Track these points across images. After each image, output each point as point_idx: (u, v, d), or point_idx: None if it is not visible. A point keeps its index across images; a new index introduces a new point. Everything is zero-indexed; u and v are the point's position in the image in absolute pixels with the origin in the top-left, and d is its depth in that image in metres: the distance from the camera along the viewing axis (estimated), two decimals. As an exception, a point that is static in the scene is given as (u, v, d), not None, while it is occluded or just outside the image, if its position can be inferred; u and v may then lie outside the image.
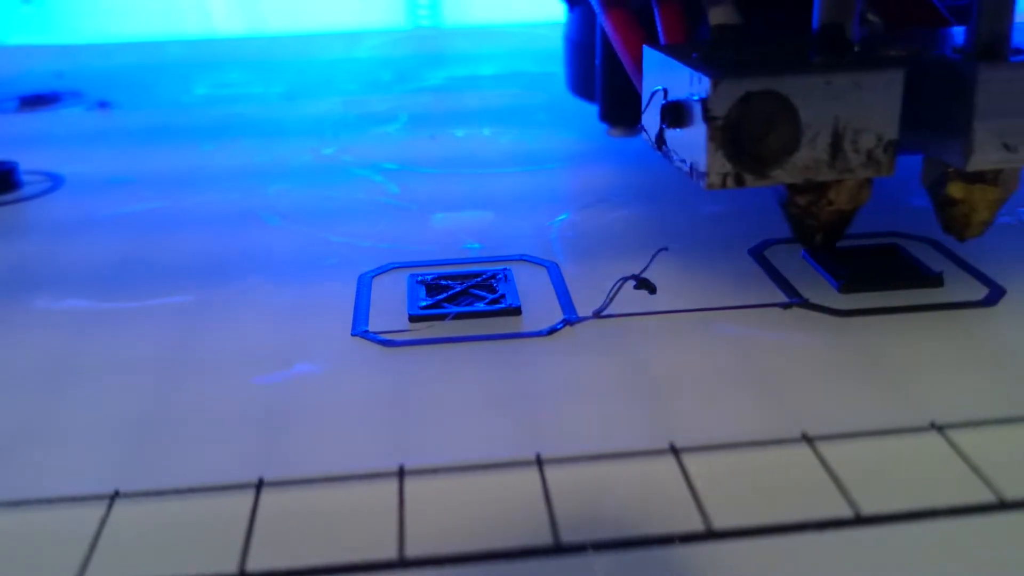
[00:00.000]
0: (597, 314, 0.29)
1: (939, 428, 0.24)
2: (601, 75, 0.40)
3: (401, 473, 0.23)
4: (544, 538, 0.21)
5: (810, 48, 0.28)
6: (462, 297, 0.31)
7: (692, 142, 0.27)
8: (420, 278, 0.32)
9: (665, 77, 0.28)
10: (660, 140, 0.29)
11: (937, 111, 0.27)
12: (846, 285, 0.30)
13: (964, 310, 0.29)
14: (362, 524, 0.21)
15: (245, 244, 0.36)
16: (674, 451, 0.23)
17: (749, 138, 0.26)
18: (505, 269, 0.32)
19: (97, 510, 0.22)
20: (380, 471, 0.23)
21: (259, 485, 0.23)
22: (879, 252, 0.32)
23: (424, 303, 0.30)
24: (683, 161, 0.28)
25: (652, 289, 0.30)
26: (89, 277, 0.34)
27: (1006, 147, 0.26)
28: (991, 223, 0.29)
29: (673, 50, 0.29)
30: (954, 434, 0.23)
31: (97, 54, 0.75)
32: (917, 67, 0.27)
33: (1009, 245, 0.33)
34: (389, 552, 0.20)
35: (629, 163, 0.44)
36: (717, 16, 0.30)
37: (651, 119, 0.30)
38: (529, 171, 0.44)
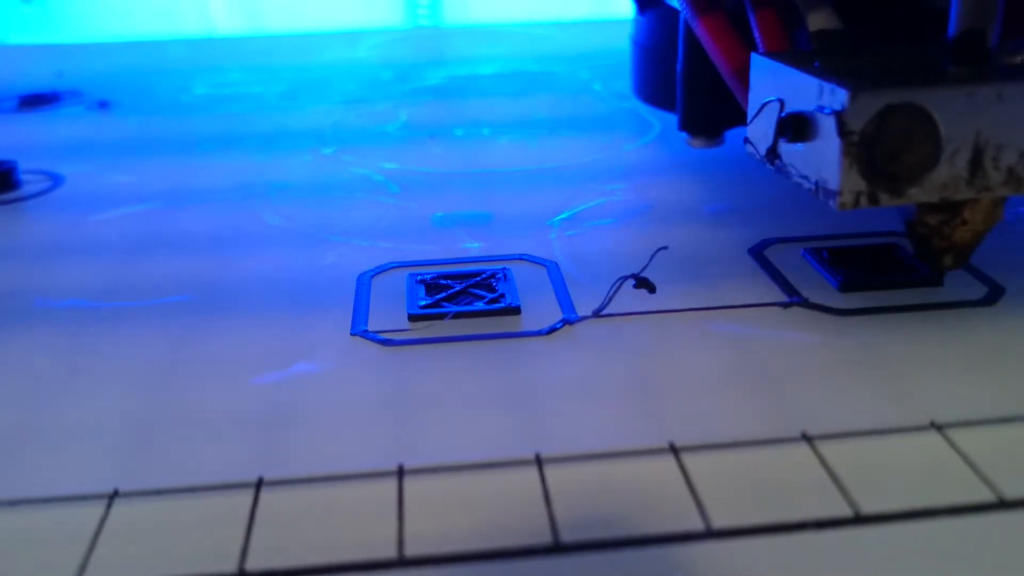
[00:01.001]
0: (596, 313, 0.29)
1: (938, 427, 0.24)
2: (682, 83, 0.39)
3: (400, 472, 0.23)
4: (543, 537, 0.21)
5: (942, 56, 0.26)
6: (461, 296, 0.31)
7: (820, 158, 0.25)
8: (419, 277, 0.32)
9: (782, 87, 0.27)
10: (773, 154, 0.27)
11: None
12: (845, 284, 0.30)
13: (963, 309, 0.29)
14: (361, 523, 0.21)
15: (245, 244, 0.36)
16: (673, 450, 0.23)
17: (885, 155, 0.24)
18: (504, 268, 0.32)
19: (96, 509, 0.22)
20: (379, 471, 0.23)
21: (258, 484, 0.23)
22: (878, 251, 0.32)
23: (423, 302, 0.30)
24: (805, 178, 0.26)
25: (651, 288, 0.30)
26: (89, 277, 0.34)
27: None
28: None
29: (790, 58, 0.27)
30: (953, 433, 0.23)
31: (97, 54, 0.75)
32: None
33: (1008, 244, 0.33)
34: (388, 551, 0.20)
35: (628, 162, 0.44)
36: (817, 21, 0.29)
37: (761, 131, 0.28)
38: (529, 171, 0.44)
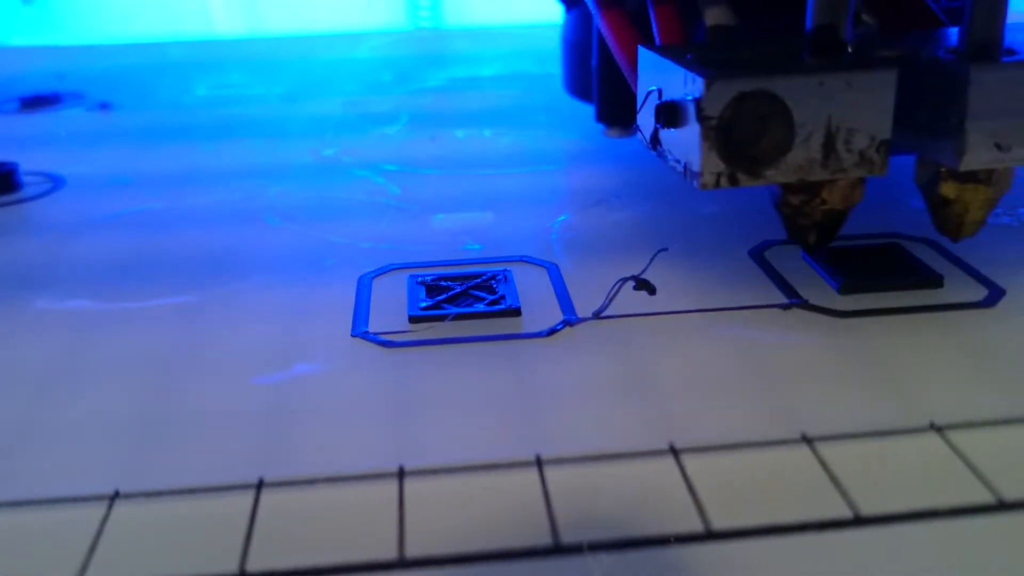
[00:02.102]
0: (597, 315, 0.29)
1: (938, 429, 0.24)
2: (597, 76, 0.40)
3: (401, 474, 0.23)
4: (543, 538, 0.21)
5: (803, 49, 0.28)
6: (462, 298, 0.31)
7: (686, 142, 0.27)
8: (420, 279, 0.32)
9: (659, 77, 0.28)
10: (655, 140, 0.29)
11: (930, 112, 0.27)
12: (845, 286, 0.30)
13: (964, 311, 0.29)
14: (362, 524, 0.21)
15: (245, 245, 0.36)
16: (673, 452, 0.23)
17: (743, 138, 0.26)
18: (505, 270, 0.32)
19: (97, 510, 0.22)
20: (380, 471, 0.23)
21: (259, 485, 0.23)
22: (878, 253, 0.32)
23: (424, 304, 0.30)
24: (677, 161, 0.28)
25: (652, 290, 0.30)
26: (90, 278, 0.34)
27: (998, 147, 0.26)
28: (984, 223, 0.29)
29: (667, 50, 0.29)
30: (953, 435, 0.24)
31: (98, 55, 0.75)
32: (910, 68, 0.27)
33: (1009, 246, 0.33)
34: (389, 552, 0.20)
35: (628, 163, 0.45)
36: (712, 17, 0.31)
37: (646, 119, 0.30)
38: (529, 172, 0.44)
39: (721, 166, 0.26)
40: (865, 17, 0.32)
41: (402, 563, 0.20)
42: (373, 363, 0.27)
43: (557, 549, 0.20)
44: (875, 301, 0.30)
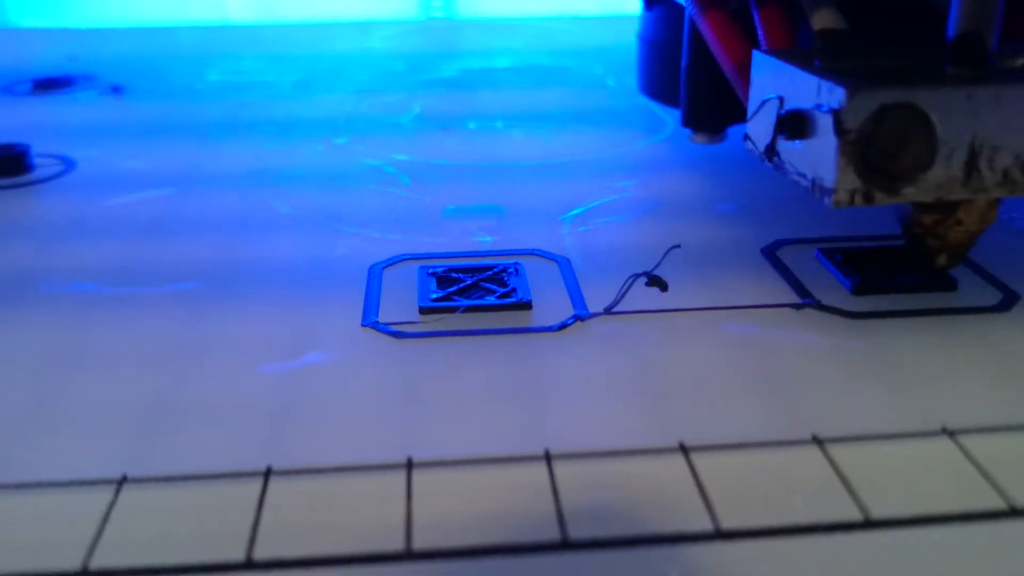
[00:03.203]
0: (608, 310, 0.29)
1: (950, 433, 0.24)
2: (686, 79, 0.39)
3: (409, 465, 0.23)
4: (551, 534, 0.20)
5: (942, 58, 0.26)
6: (473, 290, 0.31)
7: (817, 155, 0.25)
8: (431, 270, 0.32)
9: (782, 85, 0.27)
10: (771, 151, 0.28)
11: None
12: (858, 287, 0.30)
13: (977, 315, 0.29)
14: (369, 515, 0.21)
15: (256, 233, 0.36)
16: (683, 450, 0.23)
17: (882, 154, 0.24)
18: (516, 263, 0.32)
19: (105, 494, 0.22)
20: (388, 463, 0.23)
21: (267, 473, 0.22)
22: (892, 254, 0.32)
23: (435, 295, 0.30)
24: (802, 175, 0.26)
25: (663, 286, 0.30)
26: (98, 262, 0.34)
27: None
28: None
29: (790, 56, 0.27)
30: (965, 439, 0.23)
31: (111, 39, 0.75)
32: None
33: (1022, 249, 0.33)
34: (396, 544, 0.20)
35: (642, 159, 0.44)
36: (821, 20, 0.29)
37: (760, 128, 0.28)
38: (542, 165, 0.44)
39: (857, 183, 0.25)
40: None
41: (409, 555, 0.20)
42: (383, 353, 0.27)
43: (565, 545, 0.20)
44: (888, 303, 0.29)
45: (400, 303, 0.30)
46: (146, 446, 0.23)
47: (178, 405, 0.25)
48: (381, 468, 0.23)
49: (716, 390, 0.25)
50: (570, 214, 0.37)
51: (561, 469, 0.23)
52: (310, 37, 0.76)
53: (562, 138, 0.48)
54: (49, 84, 0.61)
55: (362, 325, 0.29)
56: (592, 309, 0.30)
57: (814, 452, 0.23)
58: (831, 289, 0.30)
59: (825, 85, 0.25)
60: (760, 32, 0.32)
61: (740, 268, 0.32)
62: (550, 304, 0.30)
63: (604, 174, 0.43)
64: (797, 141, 0.26)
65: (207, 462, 0.23)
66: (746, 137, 0.30)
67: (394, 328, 0.29)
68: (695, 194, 0.39)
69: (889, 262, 0.32)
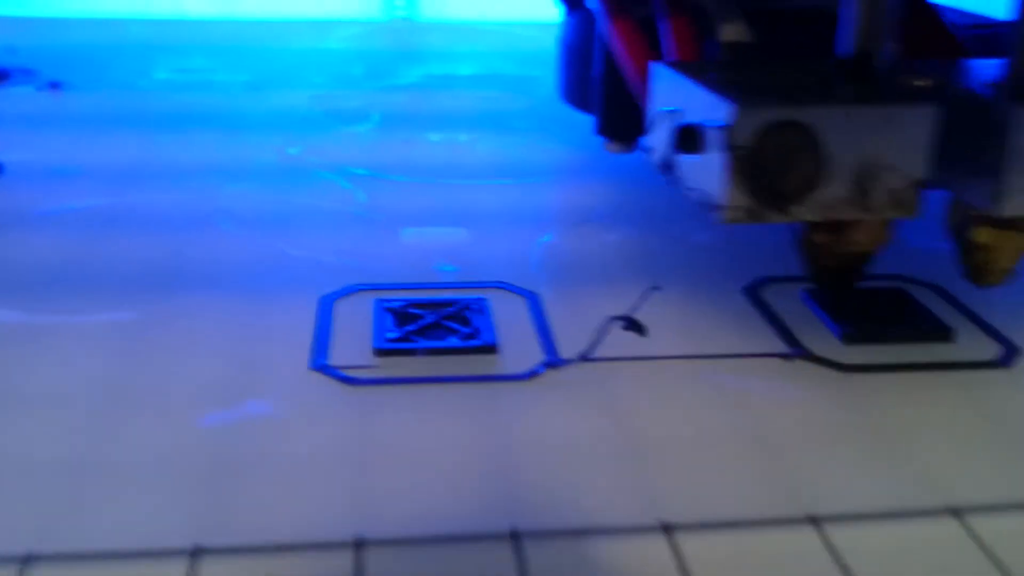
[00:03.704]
0: (583, 357, 0.27)
1: (955, 512, 0.21)
2: (600, 86, 0.38)
3: (359, 545, 0.20)
4: (520, 634, 0.18)
5: (834, 75, 0.26)
6: (433, 329, 0.28)
7: (707, 171, 0.24)
8: (387, 305, 0.29)
9: (677, 97, 0.26)
10: (667, 164, 0.27)
11: (965, 150, 0.25)
12: (849, 336, 0.28)
13: (977, 371, 0.27)
14: (312, 608, 0.18)
15: (195, 252, 0.33)
16: (666, 529, 0.21)
17: (770, 171, 0.24)
18: (481, 298, 0.30)
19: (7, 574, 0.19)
20: (336, 541, 0.20)
21: (194, 553, 0.20)
22: (882, 297, 0.30)
23: (391, 335, 0.27)
24: (693, 190, 0.26)
25: (642, 331, 0.28)
26: (22, 283, 0.31)
27: None
28: (1012, 272, 0.27)
29: (688, 68, 0.27)
30: (972, 520, 0.21)
31: (53, 29, 0.71)
32: (944, 101, 0.25)
33: (1020, 297, 0.31)
34: (342, 646, 0.18)
35: (615, 180, 0.42)
36: (729, 33, 0.28)
37: (658, 140, 0.27)
38: (508, 184, 0.41)
39: (746, 199, 0.24)
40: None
41: (357, 660, 0.17)
42: (333, 404, 0.25)
43: (536, 648, 0.18)
44: (881, 354, 0.27)
45: (353, 341, 0.28)
46: (59, 514, 0.21)
47: (100, 463, 0.22)
48: (327, 547, 0.20)
49: (701, 456, 0.23)
50: (539, 241, 0.35)
51: (532, 550, 0.20)
52: (265, 34, 0.72)
53: (528, 153, 0.46)
54: (-17, 77, 0.57)
55: (310, 367, 0.26)
56: (564, 352, 0.27)
57: (810, 533, 0.21)
58: (819, 336, 0.28)
59: (716, 100, 0.24)
60: (665, 42, 0.31)
61: (721, 309, 0.30)
62: (518, 346, 0.27)
63: (575, 196, 0.40)
64: (691, 155, 0.25)
65: (128, 537, 0.20)
66: (644, 148, 0.29)
67: (346, 373, 0.26)
68: (670, 221, 0.37)
69: (879, 307, 0.30)
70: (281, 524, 0.20)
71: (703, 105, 0.24)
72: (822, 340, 0.28)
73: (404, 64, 0.64)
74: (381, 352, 0.27)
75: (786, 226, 0.35)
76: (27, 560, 0.19)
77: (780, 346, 0.28)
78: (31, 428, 0.23)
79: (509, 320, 0.29)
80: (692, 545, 0.20)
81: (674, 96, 0.26)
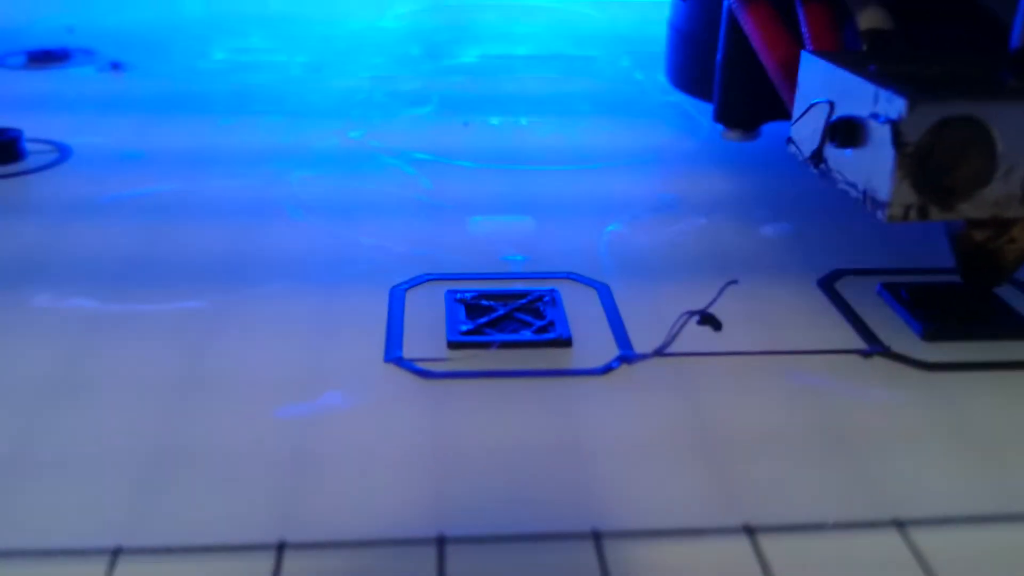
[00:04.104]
0: (658, 352, 0.26)
1: (1049, 518, 0.21)
2: (721, 72, 0.37)
3: (441, 542, 0.20)
4: (609, 639, 0.18)
5: (998, 67, 0.25)
6: (506, 322, 0.28)
7: (870, 166, 0.24)
8: (459, 296, 0.29)
9: (833, 89, 0.26)
10: (818, 157, 0.26)
11: None
12: (931, 333, 0.27)
13: (1065, 370, 0.26)
14: (399, 608, 0.18)
15: (266, 241, 0.33)
16: (748, 531, 0.21)
17: (939, 168, 0.23)
18: (552, 290, 0.29)
19: (96, 568, 0.19)
20: (418, 538, 0.20)
21: (280, 547, 0.20)
22: (964, 292, 0.29)
23: (464, 328, 0.27)
24: (852, 185, 0.25)
25: (717, 325, 0.27)
26: (95, 271, 0.31)
27: None
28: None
29: (842, 59, 0.26)
30: (1067, 527, 0.21)
31: (111, 8, 0.71)
32: None
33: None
34: (431, 648, 0.18)
35: (684, 167, 0.41)
36: (868, 20, 0.28)
37: (806, 132, 0.27)
38: (573, 170, 0.41)
39: (913, 197, 0.23)
40: None
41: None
42: (409, 397, 0.25)
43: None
44: (964, 352, 0.27)
45: (425, 333, 0.27)
46: (143, 509, 0.21)
47: (181, 455, 0.22)
48: (410, 544, 0.20)
49: (783, 457, 0.23)
50: (607, 230, 0.34)
51: (612, 551, 0.20)
52: (320, 13, 0.72)
53: (591, 138, 0.45)
54: (44, 57, 0.58)
55: (385, 360, 0.26)
56: (638, 347, 0.27)
57: (895, 537, 0.21)
58: (899, 333, 0.28)
59: (883, 94, 0.23)
60: (804, 29, 0.31)
61: (797, 304, 0.29)
62: (592, 340, 0.27)
63: (639, 181, 0.40)
64: (847, 150, 0.25)
65: (212, 532, 0.20)
66: (789, 140, 0.28)
67: (421, 366, 0.26)
68: (739, 211, 0.36)
69: (959, 301, 0.29)
70: (362, 520, 0.20)
71: (866, 98, 0.24)
72: (902, 336, 0.27)
73: (460, 44, 0.63)
74: (455, 345, 0.27)
75: (863, 217, 0.34)
76: (116, 553, 0.19)
77: (858, 342, 0.27)
78: (112, 417, 0.24)
79: (581, 312, 0.29)
80: (775, 548, 0.20)
81: (828, 87, 0.26)
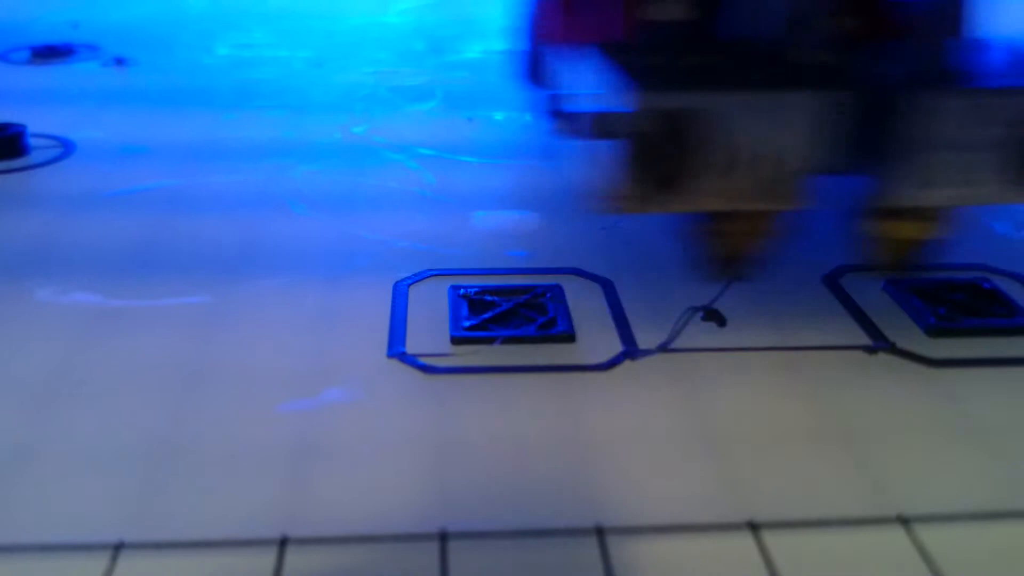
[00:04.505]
0: (662, 348, 0.26)
1: (1053, 514, 0.21)
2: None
3: (443, 538, 0.20)
4: (612, 635, 0.18)
5: (751, 60, 0.25)
6: (509, 317, 0.28)
7: (601, 155, 0.24)
8: (462, 291, 0.29)
9: (595, 78, 0.25)
10: (588, 149, 0.26)
11: (878, 137, 0.24)
12: (934, 329, 0.27)
13: (1070, 367, 0.26)
14: (402, 604, 0.18)
15: (269, 236, 0.33)
16: (752, 527, 0.20)
17: (662, 159, 0.23)
18: (555, 285, 0.29)
19: (99, 563, 0.19)
20: (420, 533, 0.20)
21: (283, 543, 0.20)
22: (967, 289, 0.29)
23: (467, 323, 0.27)
24: (589, 174, 0.25)
25: (721, 321, 0.27)
26: (98, 266, 0.31)
27: (948, 182, 0.24)
28: (920, 259, 0.27)
29: (610, 49, 0.26)
30: (1073, 524, 0.21)
31: (115, 3, 0.71)
32: (857, 88, 0.24)
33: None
34: (433, 643, 0.18)
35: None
36: (663, 11, 0.27)
37: (571, 118, 0.27)
38: (575, 165, 0.41)
39: (638, 188, 0.23)
40: (845, 22, 0.28)
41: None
42: (411, 392, 0.25)
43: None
44: (969, 347, 0.27)
45: (429, 328, 0.27)
46: (147, 504, 0.21)
47: (186, 450, 0.22)
48: (413, 539, 0.20)
49: (787, 453, 0.23)
50: (610, 224, 0.34)
51: (616, 547, 0.20)
52: (322, 7, 0.72)
53: (595, 134, 0.45)
54: (49, 52, 0.58)
55: (388, 355, 0.26)
56: (642, 342, 0.27)
57: (900, 534, 0.20)
58: (904, 329, 0.28)
59: (619, 84, 0.23)
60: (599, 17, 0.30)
61: (802, 300, 0.29)
62: (595, 335, 0.27)
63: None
64: (596, 139, 0.24)
65: (216, 526, 0.20)
66: (559, 125, 0.29)
67: (423, 361, 0.26)
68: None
69: (964, 298, 0.29)
70: (364, 515, 0.20)
71: (610, 88, 0.24)
72: (906, 333, 0.27)
73: (463, 39, 0.63)
74: (458, 340, 0.27)
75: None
76: (119, 547, 0.19)
77: (863, 338, 0.27)
78: (114, 412, 0.24)
79: (584, 308, 0.29)
80: (779, 543, 0.20)
81: (591, 77, 0.26)
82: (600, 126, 0.23)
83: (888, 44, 0.26)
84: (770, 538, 0.20)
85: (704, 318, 0.27)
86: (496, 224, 0.35)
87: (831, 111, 0.23)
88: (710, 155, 0.23)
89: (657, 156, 0.23)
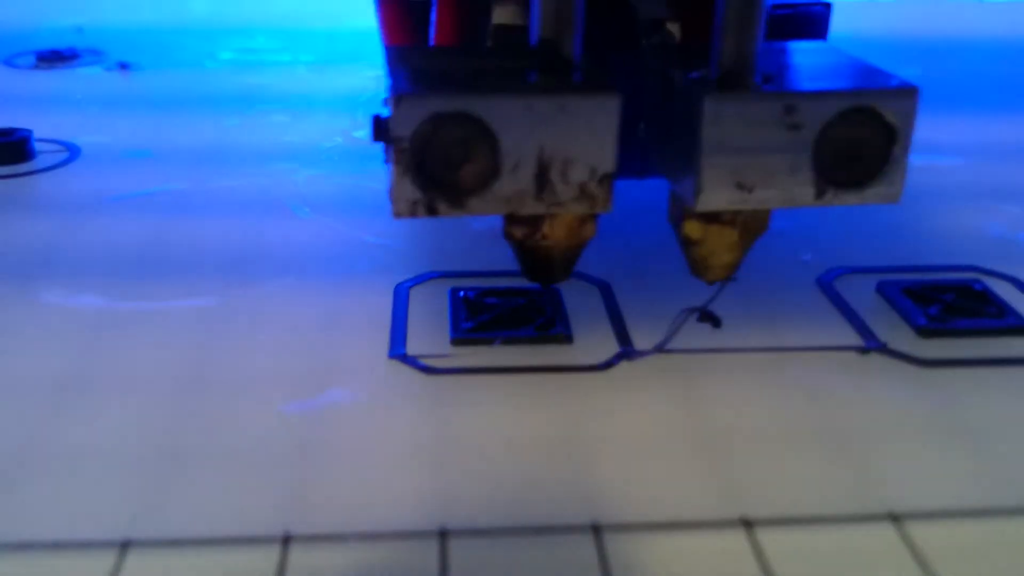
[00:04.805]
0: (658, 349, 0.27)
1: (1041, 511, 0.21)
2: None
3: (443, 535, 0.20)
4: (607, 629, 0.18)
5: (532, 64, 0.24)
6: (508, 318, 0.28)
7: (387, 162, 0.24)
8: (462, 294, 0.29)
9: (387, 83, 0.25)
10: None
11: (673, 141, 0.24)
12: (926, 330, 0.28)
13: (1060, 367, 0.27)
14: (402, 598, 0.19)
15: (273, 239, 0.34)
16: (746, 525, 0.21)
17: (440, 164, 0.23)
18: (553, 287, 0.30)
19: (105, 561, 0.20)
20: (421, 531, 0.21)
21: (286, 540, 0.20)
22: (962, 290, 0.30)
23: (467, 325, 0.28)
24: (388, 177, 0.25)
25: (717, 322, 0.28)
26: (104, 269, 0.31)
27: (739, 187, 0.23)
28: (737, 265, 0.26)
29: (405, 54, 0.25)
30: (1060, 521, 0.21)
31: (118, 9, 0.72)
32: (653, 91, 0.24)
33: (1102, 290, 0.30)
34: (433, 637, 0.18)
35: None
36: (499, 15, 0.27)
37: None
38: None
39: (417, 193, 0.23)
40: (668, 26, 0.27)
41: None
42: (412, 392, 0.25)
43: (623, 643, 0.18)
44: (962, 348, 0.27)
45: (429, 330, 0.28)
46: (152, 501, 0.21)
47: (189, 449, 0.23)
48: (413, 536, 0.20)
49: (780, 452, 0.23)
50: (606, 228, 0.35)
51: (612, 544, 0.20)
52: (325, 12, 0.72)
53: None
54: (53, 57, 0.58)
55: (389, 356, 0.27)
56: (638, 343, 0.27)
57: (890, 531, 0.21)
58: (897, 329, 0.28)
59: (391, 89, 0.23)
60: (435, 21, 0.30)
61: (796, 302, 0.30)
62: (592, 337, 0.28)
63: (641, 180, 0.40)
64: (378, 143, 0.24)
65: (220, 523, 0.21)
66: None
67: (424, 362, 0.26)
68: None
69: (959, 299, 0.29)
70: (366, 513, 0.21)
71: (389, 94, 0.23)
72: (899, 334, 0.28)
73: (466, 44, 0.64)
74: (458, 341, 0.27)
75: (857, 215, 0.35)
76: (125, 545, 0.20)
77: (856, 339, 0.28)
78: (122, 412, 0.24)
79: (581, 309, 0.29)
80: (772, 540, 0.20)
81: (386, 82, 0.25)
82: (377, 131, 0.23)
83: (690, 46, 0.26)
84: (763, 534, 0.21)
85: (699, 319, 0.28)
86: (495, 226, 0.35)
87: (612, 114, 0.22)
88: (489, 159, 0.23)
89: (436, 160, 0.22)
